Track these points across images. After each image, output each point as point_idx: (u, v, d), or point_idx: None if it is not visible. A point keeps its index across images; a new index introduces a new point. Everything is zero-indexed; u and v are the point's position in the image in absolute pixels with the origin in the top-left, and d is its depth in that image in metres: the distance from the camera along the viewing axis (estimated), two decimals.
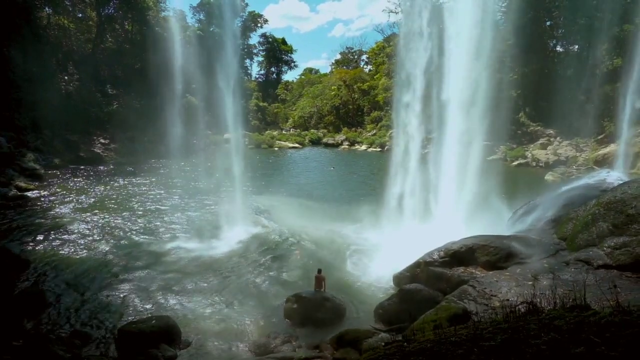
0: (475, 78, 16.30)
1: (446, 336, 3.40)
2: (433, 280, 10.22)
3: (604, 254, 8.25)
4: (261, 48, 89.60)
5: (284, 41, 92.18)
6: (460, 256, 10.34)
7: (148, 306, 10.26)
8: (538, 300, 4.31)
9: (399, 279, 11.33)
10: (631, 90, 27.59)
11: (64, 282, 11.52)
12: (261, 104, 75.14)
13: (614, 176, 14.13)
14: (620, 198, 9.09)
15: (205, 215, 19.33)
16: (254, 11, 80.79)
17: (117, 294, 10.95)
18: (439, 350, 3.08)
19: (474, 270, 9.80)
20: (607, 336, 2.62)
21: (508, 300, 6.04)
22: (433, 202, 16.14)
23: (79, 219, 17.69)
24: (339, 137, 63.51)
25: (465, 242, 10.60)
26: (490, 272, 9.46)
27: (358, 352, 7.62)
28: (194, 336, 8.86)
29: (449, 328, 4.22)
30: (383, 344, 4.74)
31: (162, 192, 24.64)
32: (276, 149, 57.10)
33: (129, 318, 9.40)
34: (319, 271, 10.86)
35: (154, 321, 8.55)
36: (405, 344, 3.63)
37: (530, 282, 7.62)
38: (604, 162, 31.36)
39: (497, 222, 15.01)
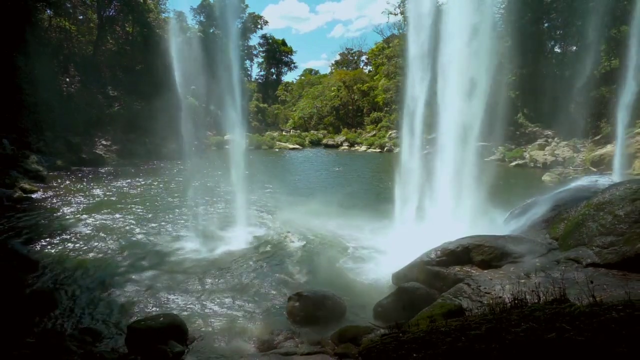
0: (473, 79, 16.62)
1: (437, 327, 3.75)
2: (430, 278, 10.56)
3: (593, 253, 8.60)
4: (261, 49, 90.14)
5: (284, 42, 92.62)
6: (456, 255, 10.67)
7: (155, 304, 10.60)
8: (525, 295, 4.66)
9: (397, 277, 11.66)
10: (627, 91, 27.93)
11: (73, 282, 11.86)
12: (261, 105, 75.54)
13: (604, 179, 14.51)
14: (609, 199, 9.46)
15: (207, 216, 19.67)
16: (254, 13, 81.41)
17: (124, 292, 11.29)
18: (431, 339, 3.44)
19: (469, 269, 10.14)
20: (577, 324, 2.97)
21: (500, 297, 6.37)
22: (433, 202, 16.47)
23: (84, 220, 18.05)
24: (339, 138, 63.86)
25: (461, 241, 10.93)
26: (485, 271, 9.80)
27: (358, 347, 7.92)
28: (200, 333, 9.19)
29: (441, 321, 4.57)
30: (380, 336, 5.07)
31: (164, 193, 24.97)
32: (276, 150, 57.44)
33: (138, 316, 9.73)
34: None
35: (161, 318, 8.83)
36: (401, 334, 3.97)
37: (522, 280, 7.97)
38: (600, 162, 31.70)
39: (493, 222, 15.39)
